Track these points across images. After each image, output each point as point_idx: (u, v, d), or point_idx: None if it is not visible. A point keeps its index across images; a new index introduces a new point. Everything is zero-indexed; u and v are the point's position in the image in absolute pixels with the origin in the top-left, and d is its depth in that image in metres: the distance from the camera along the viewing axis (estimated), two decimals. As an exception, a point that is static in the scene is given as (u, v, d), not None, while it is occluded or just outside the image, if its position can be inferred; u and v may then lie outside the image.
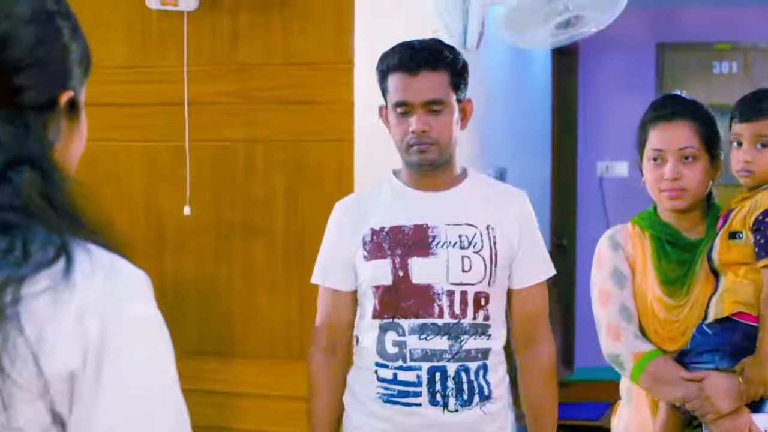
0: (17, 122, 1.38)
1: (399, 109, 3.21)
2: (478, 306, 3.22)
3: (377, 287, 3.25)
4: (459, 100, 3.25)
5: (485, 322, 3.23)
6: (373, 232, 3.27)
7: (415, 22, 4.81)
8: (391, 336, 3.23)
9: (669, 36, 8.89)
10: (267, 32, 4.46)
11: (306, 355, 3.47)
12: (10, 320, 1.27)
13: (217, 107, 4.54)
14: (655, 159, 3.24)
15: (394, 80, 3.22)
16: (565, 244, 8.72)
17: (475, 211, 3.27)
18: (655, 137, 3.25)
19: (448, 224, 3.24)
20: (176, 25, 4.50)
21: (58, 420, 1.32)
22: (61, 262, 1.32)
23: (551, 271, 3.39)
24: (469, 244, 3.22)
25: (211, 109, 4.54)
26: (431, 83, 3.18)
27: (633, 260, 3.30)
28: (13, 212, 1.33)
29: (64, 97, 1.46)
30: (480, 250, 3.23)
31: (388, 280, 3.22)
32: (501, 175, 6.35)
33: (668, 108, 3.28)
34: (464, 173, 3.37)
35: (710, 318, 3.09)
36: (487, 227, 3.25)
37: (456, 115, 3.23)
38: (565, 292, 8.43)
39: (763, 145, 3.15)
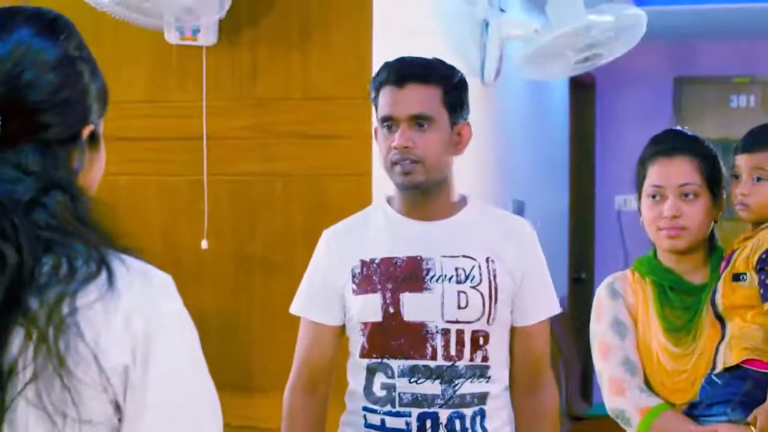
0: (46, 154, 1.61)
1: (385, 124, 2.98)
2: (475, 346, 2.94)
3: (365, 324, 2.97)
4: (454, 122, 2.98)
5: (483, 364, 2.94)
6: (363, 263, 2.99)
7: (434, 56, 4.83)
8: (379, 378, 2.94)
9: (687, 69, 8.90)
10: (286, 67, 4.48)
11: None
12: (71, 328, 1.51)
13: (235, 141, 4.55)
14: (653, 196, 3.09)
15: (383, 95, 3.00)
16: (583, 278, 8.71)
17: (474, 241, 2.99)
18: (654, 173, 3.10)
19: (444, 256, 2.96)
20: (195, 59, 4.53)
21: (118, 409, 1.56)
22: (103, 274, 1.56)
23: (556, 309, 3.14)
24: (467, 278, 2.94)
25: (229, 144, 4.55)
26: (418, 96, 2.93)
27: (634, 309, 3.12)
28: (52, 231, 1.55)
29: (86, 131, 1.68)
30: (478, 285, 2.94)
31: (377, 317, 2.94)
32: (519, 209, 6.35)
33: (668, 143, 3.15)
34: (463, 201, 3.08)
35: (719, 367, 2.94)
36: (487, 259, 2.97)
37: (447, 135, 2.96)
38: (583, 326, 8.40)
39: (759, 179, 3.02)
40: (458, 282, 2.94)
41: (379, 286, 2.95)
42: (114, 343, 1.54)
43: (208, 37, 4.42)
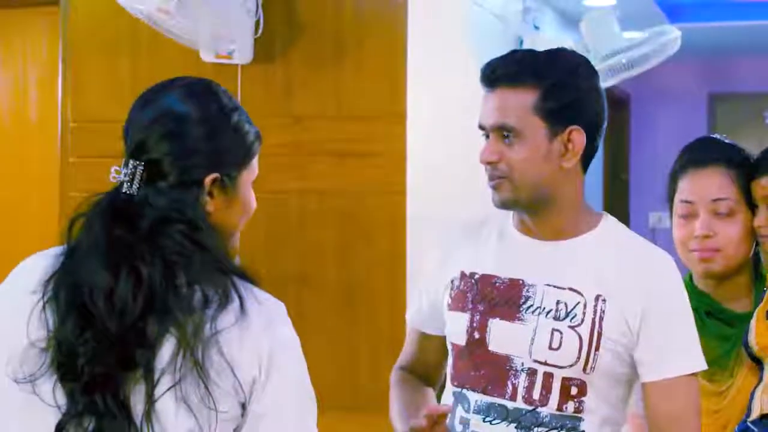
0: (170, 195, 1.98)
1: (482, 133, 2.53)
2: (566, 395, 2.43)
3: (453, 345, 2.56)
4: (555, 132, 2.44)
5: (576, 415, 2.43)
6: (463, 276, 2.56)
7: (468, 74, 4.84)
8: (459, 410, 2.53)
9: (721, 86, 8.88)
10: (320, 85, 4.50)
11: (358, 403, 3.32)
12: (214, 346, 1.89)
13: (270, 159, 4.54)
14: (684, 213, 2.72)
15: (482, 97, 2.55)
16: (617, 295, 8.66)
17: (587, 273, 2.46)
18: (685, 187, 2.72)
19: (549, 285, 2.47)
20: (230, 77, 4.55)
21: (243, 407, 1.94)
22: (236, 302, 1.94)
23: (695, 365, 2.45)
24: (567, 315, 2.44)
25: (264, 162, 4.51)
26: (504, 103, 2.44)
27: None
28: (173, 254, 1.93)
29: (208, 179, 2.01)
30: (578, 326, 2.43)
31: (462, 340, 2.52)
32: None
33: (700, 152, 2.77)
34: (595, 220, 2.54)
35: (754, 413, 2.53)
36: (597, 297, 2.43)
37: (544, 148, 2.44)
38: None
39: None
40: (556, 318, 2.45)
41: (470, 306, 2.53)
42: (247, 359, 1.92)
43: (243, 56, 4.44)
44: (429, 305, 2.65)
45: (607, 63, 4.75)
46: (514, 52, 2.53)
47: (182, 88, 2.10)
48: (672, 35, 4.75)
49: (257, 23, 4.48)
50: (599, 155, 8.57)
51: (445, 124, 4.34)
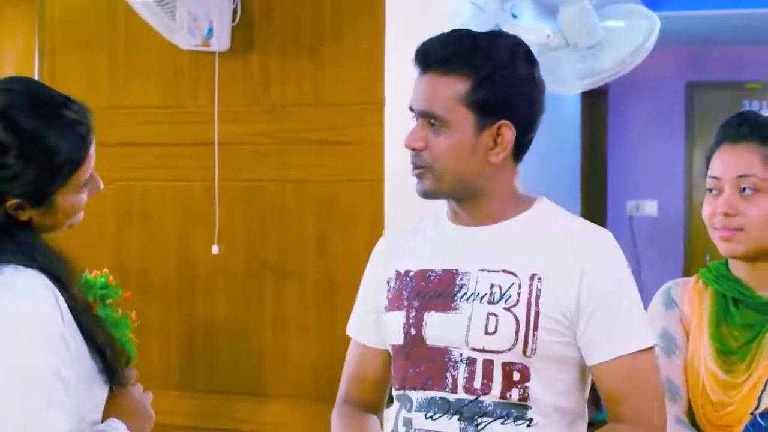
0: None
1: (411, 115, 2.39)
2: (509, 382, 2.30)
3: (392, 347, 2.44)
4: (484, 125, 2.31)
5: (522, 403, 2.30)
6: (398, 275, 2.46)
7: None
8: (402, 412, 2.41)
9: (699, 75, 8.88)
10: (298, 73, 4.49)
11: (336, 394, 3.27)
12: None
13: (247, 147, 4.56)
14: (710, 190, 2.57)
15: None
16: (595, 284, 8.69)
17: (520, 253, 2.34)
18: (715, 162, 2.58)
19: (482, 270, 2.34)
20: (208, 65, 4.54)
21: None
22: None
23: (642, 342, 2.32)
24: (501, 297, 2.31)
25: (241, 150, 4.56)
26: (432, 90, 2.32)
27: (689, 322, 2.61)
28: None
29: (9, 205, 2.06)
30: (513, 307, 2.29)
31: (399, 339, 2.40)
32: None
33: (733, 128, 2.61)
34: (528, 203, 2.44)
35: (762, 406, 2.45)
36: (532, 277, 2.31)
37: (471, 141, 2.32)
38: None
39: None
40: (490, 302, 2.31)
41: (405, 303, 2.40)
42: None
43: (220, 44, 4.43)
44: (371, 315, 2.53)
45: (590, 80, 4.75)
46: (451, 32, 2.36)
47: None
48: (649, 23, 4.75)
49: (234, 11, 4.47)
50: (577, 144, 8.51)
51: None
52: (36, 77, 4.86)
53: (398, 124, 4.26)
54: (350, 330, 2.61)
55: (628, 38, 4.80)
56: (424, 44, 2.35)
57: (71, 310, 2.06)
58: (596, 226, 2.43)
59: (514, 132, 2.34)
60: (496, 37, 2.38)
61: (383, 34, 4.35)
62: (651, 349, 2.33)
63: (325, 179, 4.45)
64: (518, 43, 2.39)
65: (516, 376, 2.29)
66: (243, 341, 4.57)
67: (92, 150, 2.13)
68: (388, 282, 2.47)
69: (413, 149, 2.33)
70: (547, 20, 5.50)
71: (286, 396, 4.52)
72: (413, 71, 2.40)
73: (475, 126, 2.31)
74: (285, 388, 4.52)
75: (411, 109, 2.36)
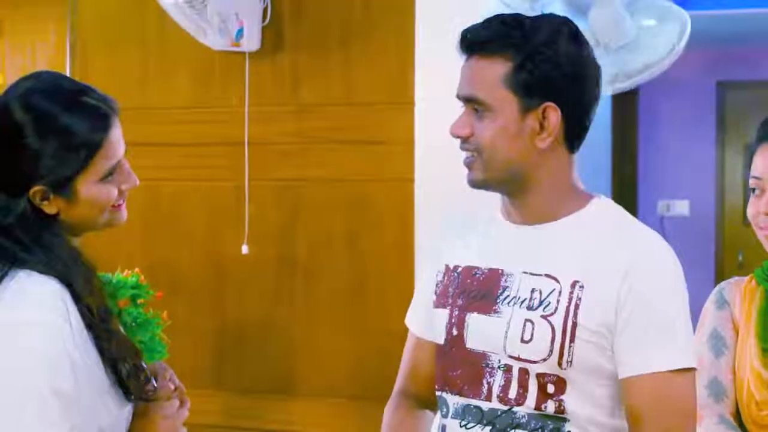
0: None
1: (459, 104, 2.30)
2: (543, 393, 2.16)
3: (436, 346, 2.34)
4: (528, 108, 2.19)
5: (559, 416, 2.16)
6: (447, 269, 2.35)
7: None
8: (438, 416, 2.32)
9: (729, 74, 8.84)
10: (328, 73, 4.49)
11: (367, 392, 3.21)
12: None
13: (277, 147, 4.57)
14: (753, 189, 2.50)
15: None
16: (626, 284, 8.66)
17: (566, 256, 2.20)
18: (756, 161, 2.50)
19: (525, 272, 2.22)
20: (238, 65, 4.55)
21: None
22: None
23: (678, 362, 2.12)
24: (540, 304, 2.18)
25: (271, 149, 4.57)
26: (475, 74, 2.23)
27: (739, 322, 2.53)
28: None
29: (32, 193, 2.05)
30: (550, 315, 2.16)
31: (441, 338, 2.30)
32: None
33: None
34: (584, 202, 2.29)
35: None
36: (573, 284, 2.16)
37: (515, 125, 2.20)
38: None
39: None
40: (529, 308, 2.19)
41: (450, 301, 2.30)
42: None
43: (250, 44, 4.44)
44: (424, 306, 2.40)
45: (620, 84, 4.73)
46: (496, 17, 2.25)
47: None
48: (680, 25, 4.72)
49: (265, 11, 4.48)
50: (608, 144, 8.49)
51: (454, 111, 4.32)
52: (67, 73, 4.88)
53: (428, 122, 4.28)
54: (408, 321, 2.48)
55: (660, 40, 4.78)
56: (467, 29, 2.25)
57: (84, 321, 2.02)
58: (651, 231, 2.28)
59: (561, 115, 2.20)
60: (541, 17, 2.27)
61: (413, 33, 4.35)
62: (691, 371, 2.14)
63: (355, 178, 4.45)
64: (564, 22, 2.27)
65: (550, 389, 2.17)
66: (273, 340, 4.58)
67: (114, 137, 2.09)
68: (437, 275, 2.36)
69: (458, 137, 2.25)
70: (577, 20, 5.47)
71: (317, 395, 4.53)
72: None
73: (519, 109, 2.19)
74: (314, 386, 4.53)
75: (457, 97, 2.27)
